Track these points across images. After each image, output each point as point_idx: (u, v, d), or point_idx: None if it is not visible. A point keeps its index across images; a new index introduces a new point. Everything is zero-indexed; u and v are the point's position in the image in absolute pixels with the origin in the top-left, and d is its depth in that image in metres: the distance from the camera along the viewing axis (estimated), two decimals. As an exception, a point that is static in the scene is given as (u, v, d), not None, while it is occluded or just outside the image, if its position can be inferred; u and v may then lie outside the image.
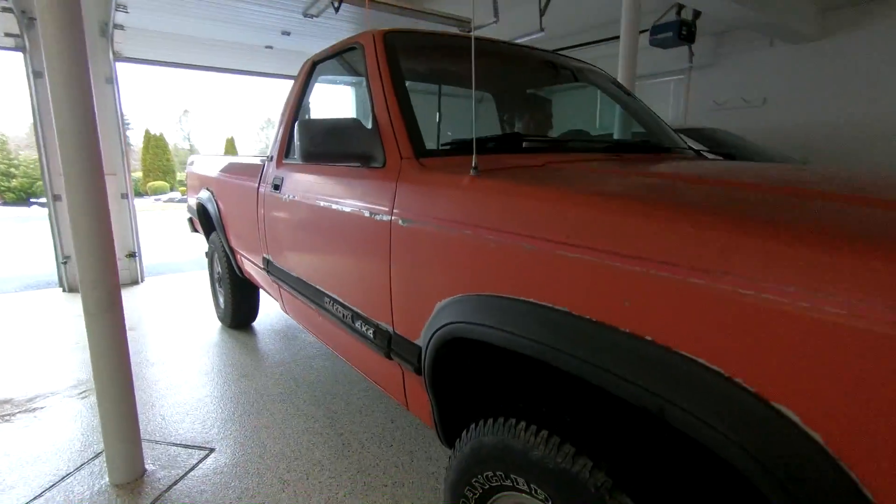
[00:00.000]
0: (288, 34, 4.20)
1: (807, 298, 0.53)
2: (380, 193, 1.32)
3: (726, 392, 0.59)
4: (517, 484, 0.91)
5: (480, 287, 0.98)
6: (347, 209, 1.46)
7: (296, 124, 1.39)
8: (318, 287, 1.73)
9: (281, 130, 2.16)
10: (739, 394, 0.58)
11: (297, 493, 1.72)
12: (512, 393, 1.08)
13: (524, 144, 1.47)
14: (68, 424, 2.17)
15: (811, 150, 4.94)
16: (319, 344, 3.12)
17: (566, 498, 0.80)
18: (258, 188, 2.26)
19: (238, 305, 3.26)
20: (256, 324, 3.52)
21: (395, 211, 1.24)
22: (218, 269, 3.42)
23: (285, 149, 2.11)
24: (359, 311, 1.47)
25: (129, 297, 4.33)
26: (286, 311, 2.34)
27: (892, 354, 0.47)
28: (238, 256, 2.89)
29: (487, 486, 1.00)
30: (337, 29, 4.40)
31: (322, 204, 1.61)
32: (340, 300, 1.57)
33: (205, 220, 3.55)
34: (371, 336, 1.40)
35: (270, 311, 3.75)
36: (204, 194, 3.29)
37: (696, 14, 4.53)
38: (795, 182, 0.99)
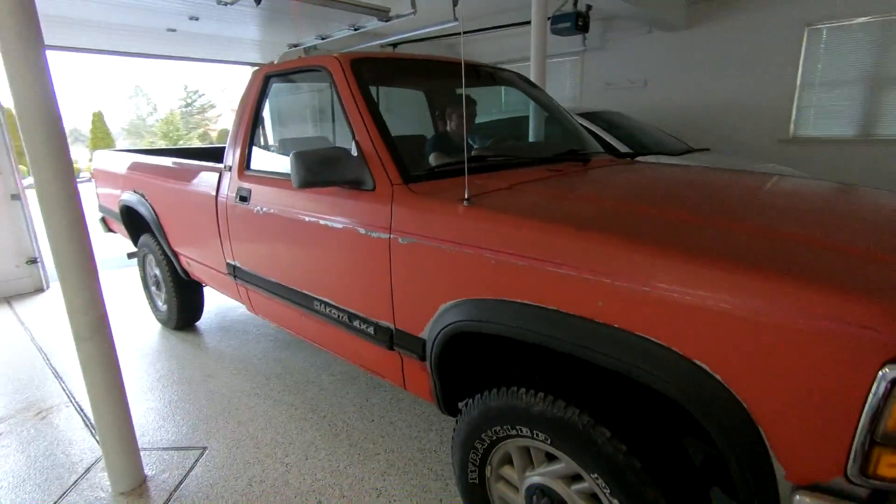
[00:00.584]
0: (196, 19, 3.98)
1: (689, 293, 0.91)
2: (375, 214, 1.56)
3: (667, 356, 0.97)
4: (521, 432, 1.26)
5: (480, 292, 1.29)
6: (339, 226, 1.68)
7: (291, 155, 1.55)
8: (305, 292, 1.92)
9: (239, 142, 2.24)
10: (675, 357, 0.96)
11: (302, 471, 1.96)
12: (505, 369, 1.43)
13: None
14: (40, 446, 2.17)
15: (690, 126, 5.79)
16: (273, 337, 3.25)
17: (562, 436, 1.17)
18: (216, 197, 2.33)
19: (183, 306, 3.26)
20: (199, 323, 3.53)
21: (394, 230, 1.49)
22: (155, 271, 3.36)
23: (246, 160, 2.21)
24: (356, 312, 1.71)
25: (34, 307, 4.03)
26: (253, 311, 2.47)
27: (741, 326, 0.87)
28: (183, 259, 2.91)
29: (494, 438, 1.34)
30: (250, 15, 4.26)
31: (308, 219, 1.80)
32: (334, 303, 1.79)
33: (131, 223, 3.43)
34: (371, 332, 1.66)
35: (210, 310, 3.76)
36: (130, 196, 3.19)
37: (589, 6, 5.03)
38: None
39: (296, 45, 5.34)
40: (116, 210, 3.55)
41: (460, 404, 1.53)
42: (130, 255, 3.99)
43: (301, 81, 2.31)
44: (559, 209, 1.31)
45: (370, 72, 1.85)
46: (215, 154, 4.54)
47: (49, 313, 3.86)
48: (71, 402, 2.53)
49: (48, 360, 3.03)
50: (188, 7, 3.73)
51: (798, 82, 5.22)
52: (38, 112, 1.51)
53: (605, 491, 1.12)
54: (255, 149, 2.21)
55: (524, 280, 1.19)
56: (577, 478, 1.24)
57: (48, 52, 1.55)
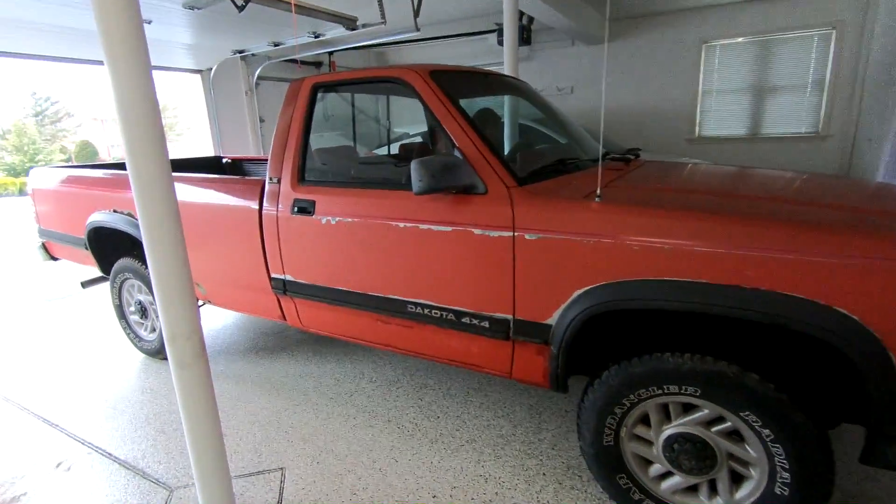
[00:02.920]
0: (148, 22, 3.63)
1: (830, 257, 1.22)
2: (493, 215, 1.69)
3: (813, 307, 1.26)
4: (667, 390, 1.49)
5: (623, 275, 1.50)
6: (447, 228, 1.78)
7: (414, 162, 1.63)
8: (394, 297, 1.97)
9: (289, 154, 2.20)
10: (820, 307, 1.25)
11: (400, 473, 2.00)
12: (629, 342, 1.65)
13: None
14: (90, 499, 1.95)
15: (613, 129, 6.49)
16: (281, 352, 3.14)
17: (713, 385, 1.41)
18: (260, 211, 2.26)
19: (180, 333, 3.02)
20: (193, 349, 3.27)
21: (518, 228, 1.64)
22: (138, 298, 3.06)
23: (299, 172, 2.18)
24: (464, 309, 1.82)
25: (-32, 354, 3.42)
26: (300, 325, 2.42)
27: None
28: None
29: (636, 400, 1.56)
30: (215, 20, 3.97)
31: (406, 225, 1.86)
32: (435, 304, 1.88)
33: (101, 247, 3.11)
34: (485, 326, 1.79)
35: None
36: (107, 217, 2.89)
37: (531, 20, 5.46)
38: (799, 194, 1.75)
39: (241, 52, 5.09)
40: (75, 234, 3.18)
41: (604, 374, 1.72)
42: (87, 284, 3.58)
43: (356, 92, 2.33)
44: (678, 201, 1.57)
45: (447, 83, 1.96)
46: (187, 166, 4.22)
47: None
48: (90, 448, 2.27)
49: (26, 408, 2.64)
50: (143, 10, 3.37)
51: (700, 90, 6.14)
52: None
53: (755, 424, 1.39)
54: (312, 160, 2.19)
55: (673, 261, 1.42)
56: (716, 421, 1.50)
57: None
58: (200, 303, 2.92)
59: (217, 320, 3.79)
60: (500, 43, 5.54)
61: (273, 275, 2.32)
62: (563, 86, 6.78)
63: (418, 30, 4.62)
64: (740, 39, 5.85)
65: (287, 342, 3.32)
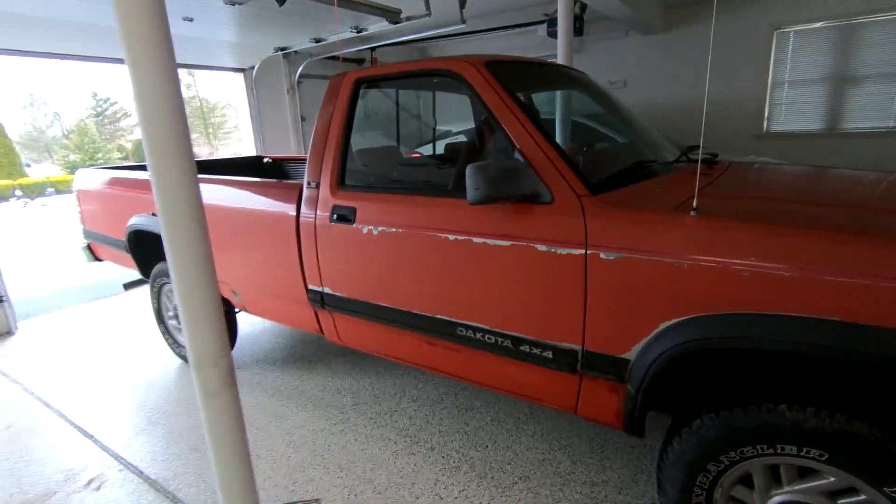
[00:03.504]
0: (190, 20, 3.57)
1: None
2: (561, 229, 1.44)
3: None
4: (782, 451, 1.20)
5: (725, 307, 1.22)
6: (507, 243, 1.54)
7: (470, 168, 1.41)
8: (443, 318, 1.75)
9: (328, 156, 2.02)
10: None
11: (447, 514, 1.79)
12: (727, 386, 1.36)
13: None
14: (115, 523, 1.83)
15: (670, 125, 6.05)
16: (319, 363, 2.99)
17: (846, 451, 1.12)
18: (297, 217, 2.09)
19: (217, 341, 2.92)
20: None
21: (591, 245, 1.39)
22: (176, 302, 2.98)
23: (339, 175, 2.00)
24: (525, 336, 1.58)
25: (9, 354, 3.46)
26: (338, 340, 2.24)
27: None
28: (225, 288, 2.61)
29: (738, 459, 1.28)
30: (230, 15, 3.88)
31: (459, 238, 1.64)
32: (490, 328, 1.65)
33: (141, 250, 3.04)
34: (548, 356, 1.54)
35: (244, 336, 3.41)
36: (146, 221, 2.81)
37: (583, 9, 5.12)
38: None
39: (283, 49, 5.00)
40: (117, 236, 3.13)
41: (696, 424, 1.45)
42: (129, 286, 3.54)
43: (402, 88, 2.13)
44: (797, 214, 1.27)
45: (507, 75, 1.72)
46: (234, 166, 4.17)
47: (31, 359, 3.32)
48: (122, 465, 2.17)
49: (63, 415, 2.59)
50: (182, 7, 3.31)
51: (770, 81, 5.61)
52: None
53: (904, 503, 1.09)
54: (354, 162, 2.00)
55: (793, 292, 1.13)
56: (844, 492, 1.20)
57: None
58: (236, 310, 2.80)
59: (254, 325, 3.70)
60: (551, 34, 5.23)
61: (310, 286, 2.15)
62: (616, 79, 6.37)
63: (464, 22, 4.38)
64: (818, 25, 5.29)
65: (325, 352, 3.17)
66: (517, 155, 1.55)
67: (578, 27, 5.09)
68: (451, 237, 1.66)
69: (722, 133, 5.90)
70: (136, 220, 2.90)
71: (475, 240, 1.61)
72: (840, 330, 1.09)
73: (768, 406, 1.21)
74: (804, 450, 1.18)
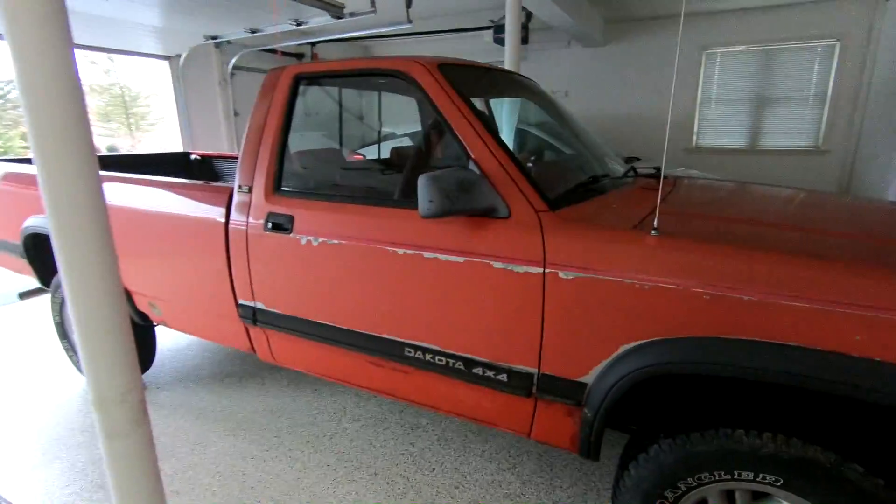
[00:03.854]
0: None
1: None
2: (518, 246, 1.36)
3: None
4: (739, 476, 1.18)
5: (686, 331, 1.18)
6: (460, 260, 1.44)
7: (423, 178, 1.29)
8: (389, 337, 1.62)
9: (263, 157, 1.83)
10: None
11: (392, 549, 1.66)
12: (682, 410, 1.33)
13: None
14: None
15: (609, 136, 6.24)
16: (251, 382, 2.75)
17: (802, 476, 1.11)
18: (227, 225, 1.89)
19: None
20: (146, 375, 2.86)
21: (550, 264, 1.32)
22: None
23: (276, 179, 1.81)
24: (478, 358, 1.49)
25: None
26: (272, 359, 2.05)
27: None
28: (141, 299, 2.33)
29: (695, 484, 1.25)
30: (185, 1, 3.53)
31: (409, 253, 1.51)
32: (440, 349, 1.54)
33: (41, 256, 2.67)
34: (503, 379, 1.45)
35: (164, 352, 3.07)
36: (44, 222, 2.46)
37: (528, 17, 5.16)
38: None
39: (214, 38, 4.65)
40: (11, 239, 2.74)
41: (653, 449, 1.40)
42: (25, 295, 3.12)
43: (346, 87, 1.97)
44: (757, 236, 1.26)
45: (460, 79, 1.62)
46: (160, 163, 3.77)
47: None
48: (8, 509, 1.85)
49: (-64, 452, 2.19)
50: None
51: (699, 98, 5.94)
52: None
53: (855, 527, 1.09)
54: (292, 165, 1.82)
55: (754, 316, 1.11)
56: (796, 515, 1.20)
57: None
58: (155, 324, 2.51)
59: (178, 338, 3.37)
60: (497, 41, 5.24)
61: (241, 301, 1.95)
62: (558, 88, 6.50)
63: (410, 22, 4.27)
64: (741, 48, 5.66)
65: (258, 368, 2.93)
66: (472, 166, 1.45)
67: (524, 36, 5.12)
68: (401, 251, 1.53)
69: (655, 146, 6.17)
70: (34, 222, 2.53)
71: (426, 254, 1.49)
72: (797, 356, 1.08)
73: (726, 431, 1.19)
74: (760, 475, 1.16)
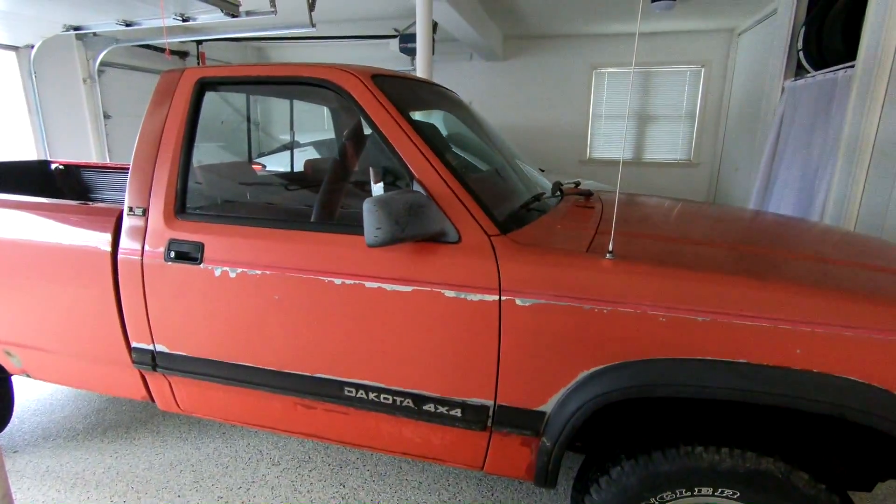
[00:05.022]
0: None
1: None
2: (471, 272, 1.28)
3: (875, 393, 1.06)
4: (699, 493, 1.20)
5: (644, 353, 1.18)
6: (407, 289, 1.31)
7: (368, 203, 1.15)
8: (324, 377, 1.45)
9: (161, 174, 1.55)
10: (882, 392, 1.05)
11: None
12: (639, 432, 1.34)
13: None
14: None
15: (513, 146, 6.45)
16: (171, 432, 2.35)
17: (756, 488, 1.15)
18: (115, 255, 1.57)
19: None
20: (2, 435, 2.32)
21: (506, 290, 1.25)
22: None
23: (179, 200, 1.55)
24: (429, 393, 1.37)
25: None
26: (177, 409, 1.75)
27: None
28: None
29: (657, 505, 1.25)
30: None
31: (339, 283, 1.36)
32: (387, 387, 1.40)
33: None
34: (457, 414, 1.36)
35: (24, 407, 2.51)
36: None
37: (434, 29, 5.14)
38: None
39: (76, 28, 4.00)
40: None
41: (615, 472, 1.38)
42: None
43: (256, 94, 1.75)
44: (702, 257, 1.30)
45: (395, 92, 1.50)
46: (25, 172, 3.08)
47: None
48: None
49: None
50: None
51: (591, 113, 6.38)
52: None
53: (801, 530, 1.16)
54: (198, 182, 1.57)
55: (708, 336, 1.14)
56: (747, 523, 1.25)
57: None
58: (12, 376, 2.04)
59: (41, 386, 2.80)
60: (403, 50, 5.16)
61: (135, 344, 1.63)
62: (463, 99, 6.61)
63: (313, 26, 4.03)
64: (626, 69, 6.20)
65: (149, 413, 2.52)
66: (416, 186, 1.35)
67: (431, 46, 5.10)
68: (338, 281, 1.37)
69: (553, 157, 6.51)
70: None
71: (368, 284, 1.35)
72: (749, 372, 1.12)
73: (687, 449, 1.21)
74: (719, 490, 1.19)
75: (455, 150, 2.12)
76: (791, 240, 1.62)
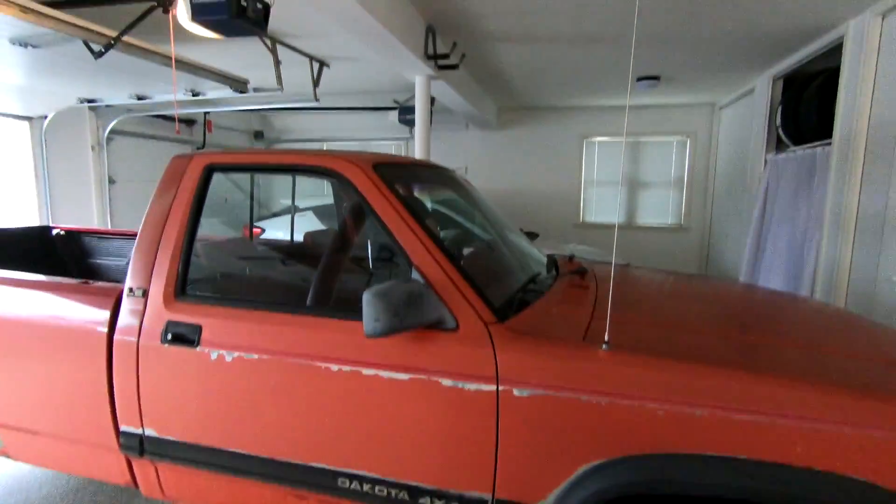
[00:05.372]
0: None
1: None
2: (468, 361, 1.28)
3: (880, 494, 1.04)
4: None
5: (642, 448, 1.17)
6: (404, 377, 1.31)
7: (368, 295, 1.18)
8: (316, 466, 1.41)
9: (165, 254, 1.58)
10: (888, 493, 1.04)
11: None
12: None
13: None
14: None
15: (506, 211, 6.60)
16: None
17: None
18: (111, 336, 1.57)
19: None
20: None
21: (504, 380, 1.25)
22: None
23: (180, 282, 1.57)
24: (423, 485, 1.34)
25: None
26: (163, 496, 1.68)
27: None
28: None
29: None
30: (58, 63, 3.09)
31: (336, 369, 1.35)
32: (382, 478, 1.36)
33: None
34: (453, 509, 1.32)
35: (-18, 489, 2.39)
36: None
37: (431, 101, 5.41)
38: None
39: (90, 101, 4.19)
40: None
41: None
42: None
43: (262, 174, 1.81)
44: (699, 346, 1.31)
45: (396, 179, 1.57)
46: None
47: None
48: None
49: None
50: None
51: (583, 180, 6.59)
52: None
53: None
54: (200, 265, 1.59)
55: (706, 430, 1.13)
56: None
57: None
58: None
59: (18, 466, 2.68)
60: (402, 121, 5.40)
61: (124, 427, 1.60)
62: (458, 165, 6.83)
63: (317, 100, 4.24)
64: (617, 139, 6.48)
65: (128, 495, 2.41)
66: (414, 273, 1.38)
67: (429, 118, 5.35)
68: (335, 367, 1.37)
69: (549, 220, 6.65)
70: None
71: (365, 371, 1.35)
72: (749, 469, 1.10)
73: (694, 552, 1.17)
74: None
75: (453, 229, 2.18)
76: (786, 323, 1.64)
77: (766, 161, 4.55)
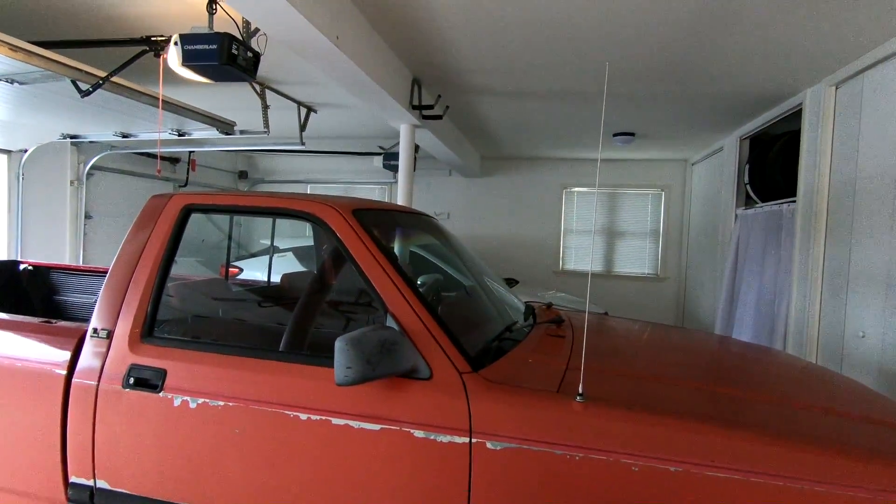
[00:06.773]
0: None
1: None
2: (442, 412, 1.26)
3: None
4: None
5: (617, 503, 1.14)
6: (375, 428, 1.28)
7: (340, 342, 1.16)
8: (281, 522, 1.34)
9: (134, 295, 1.54)
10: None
11: None
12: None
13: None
14: None
15: (487, 257, 6.66)
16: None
17: None
18: (69, 377, 1.50)
19: None
20: None
21: (477, 432, 1.22)
22: None
23: (148, 324, 1.52)
24: (392, 544, 1.27)
25: None
26: (110, 556, 1.56)
27: None
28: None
29: None
30: (43, 99, 3.10)
31: (304, 418, 1.31)
32: (347, 535, 1.29)
33: None
34: (422, 571, 1.25)
35: None
36: None
37: (416, 149, 5.54)
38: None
39: (73, 137, 4.18)
40: None
41: None
42: None
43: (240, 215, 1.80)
44: (674, 399, 1.31)
45: (375, 225, 1.58)
46: None
47: None
48: None
49: None
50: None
51: (563, 228, 6.72)
52: None
53: None
54: (167, 306, 1.56)
55: (682, 487, 1.11)
56: None
57: None
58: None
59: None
60: (386, 167, 5.50)
61: (73, 479, 1.50)
62: (441, 211, 6.92)
63: (303, 144, 4.31)
64: (594, 189, 6.68)
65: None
66: (389, 320, 1.37)
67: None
68: (303, 416, 1.33)
69: (529, 268, 6.72)
70: None
71: (335, 420, 1.31)
72: (724, 529, 1.08)
73: None
74: None
75: (431, 275, 2.18)
76: (759, 377, 1.66)
77: (736, 215, 4.72)
